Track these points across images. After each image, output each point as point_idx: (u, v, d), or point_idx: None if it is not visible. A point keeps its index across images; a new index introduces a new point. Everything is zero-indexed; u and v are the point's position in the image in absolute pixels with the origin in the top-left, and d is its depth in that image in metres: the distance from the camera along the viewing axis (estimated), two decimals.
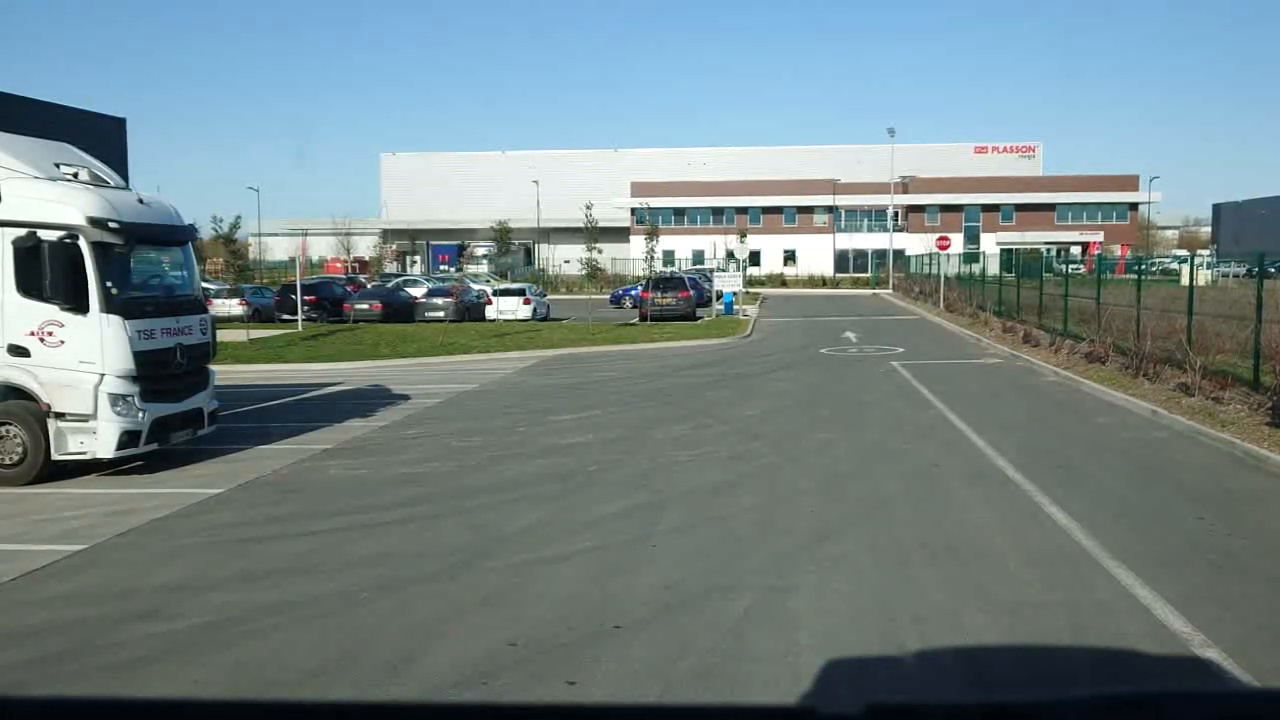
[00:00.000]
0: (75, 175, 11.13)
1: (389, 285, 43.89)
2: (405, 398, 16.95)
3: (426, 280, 47.37)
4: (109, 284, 10.51)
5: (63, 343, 10.48)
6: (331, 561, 7.64)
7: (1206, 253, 70.76)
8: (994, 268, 38.50)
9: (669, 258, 67.22)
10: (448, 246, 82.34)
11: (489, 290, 39.17)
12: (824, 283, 70.19)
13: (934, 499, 9.34)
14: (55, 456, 10.50)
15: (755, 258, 70.86)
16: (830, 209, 78.70)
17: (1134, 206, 77.32)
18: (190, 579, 7.27)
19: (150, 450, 11.07)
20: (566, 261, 78.03)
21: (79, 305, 10.45)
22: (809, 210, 79.12)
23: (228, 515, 9.15)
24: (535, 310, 37.05)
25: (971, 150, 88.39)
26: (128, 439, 10.63)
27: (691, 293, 36.45)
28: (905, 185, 75.10)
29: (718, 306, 37.59)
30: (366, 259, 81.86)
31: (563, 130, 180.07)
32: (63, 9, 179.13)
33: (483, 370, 21.42)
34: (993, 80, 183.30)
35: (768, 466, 10.96)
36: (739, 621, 6.16)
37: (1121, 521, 8.39)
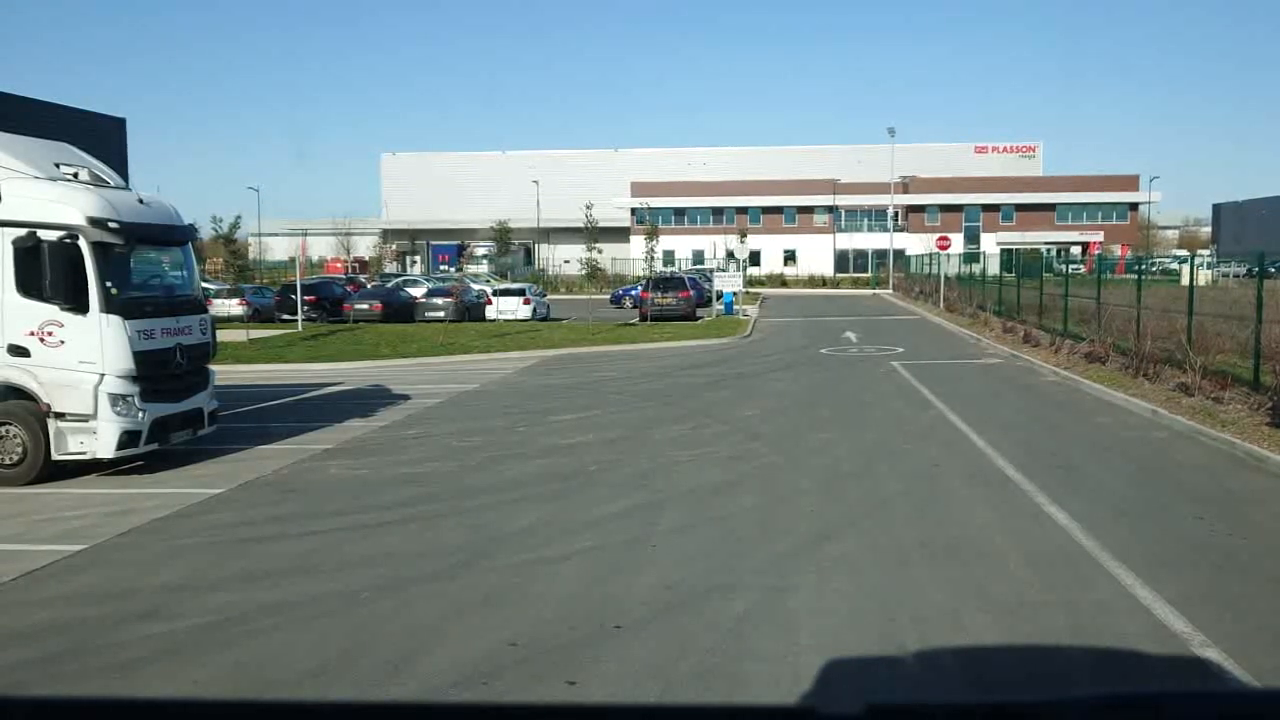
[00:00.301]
0: (75, 175, 11.13)
1: (389, 285, 43.90)
2: (405, 398, 16.95)
3: (426, 280, 47.38)
4: (109, 284, 10.50)
5: (63, 343, 10.47)
6: (332, 561, 7.64)
7: (1206, 253, 70.75)
8: (994, 268, 38.51)
9: (669, 258, 67.25)
10: (448, 246, 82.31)
11: (489, 290, 39.17)
12: (824, 283, 70.20)
13: (934, 499, 9.34)
14: (55, 456, 10.50)
15: (755, 258, 70.87)
16: (830, 209, 78.70)
17: (1134, 206, 77.33)
18: (190, 579, 7.27)
19: (150, 450, 11.07)
20: (566, 261, 78.02)
21: (79, 305, 10.45)
22: (809, 210, 79.12)
23: (228, 515, 9.15)
24: (535, 310, 37.05)
25: (972, 150, 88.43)
26: (128, 439, 10.63)
27: (691, 293, 36.45)
28: (905, 185, 75.10)
29: (718, 306, 37.59)
30: (366, 259, 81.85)
31: (563, 130, 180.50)
32: (63, 9, 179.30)
33: (483, 370, 21.42)
34: (993, 80, 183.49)
35: (768, 466, 10.96)
36: (739, 621, 6.16)
37: (1121, 521, 8.39)
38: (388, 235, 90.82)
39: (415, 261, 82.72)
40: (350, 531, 8.48)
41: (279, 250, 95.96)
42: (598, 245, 42.39)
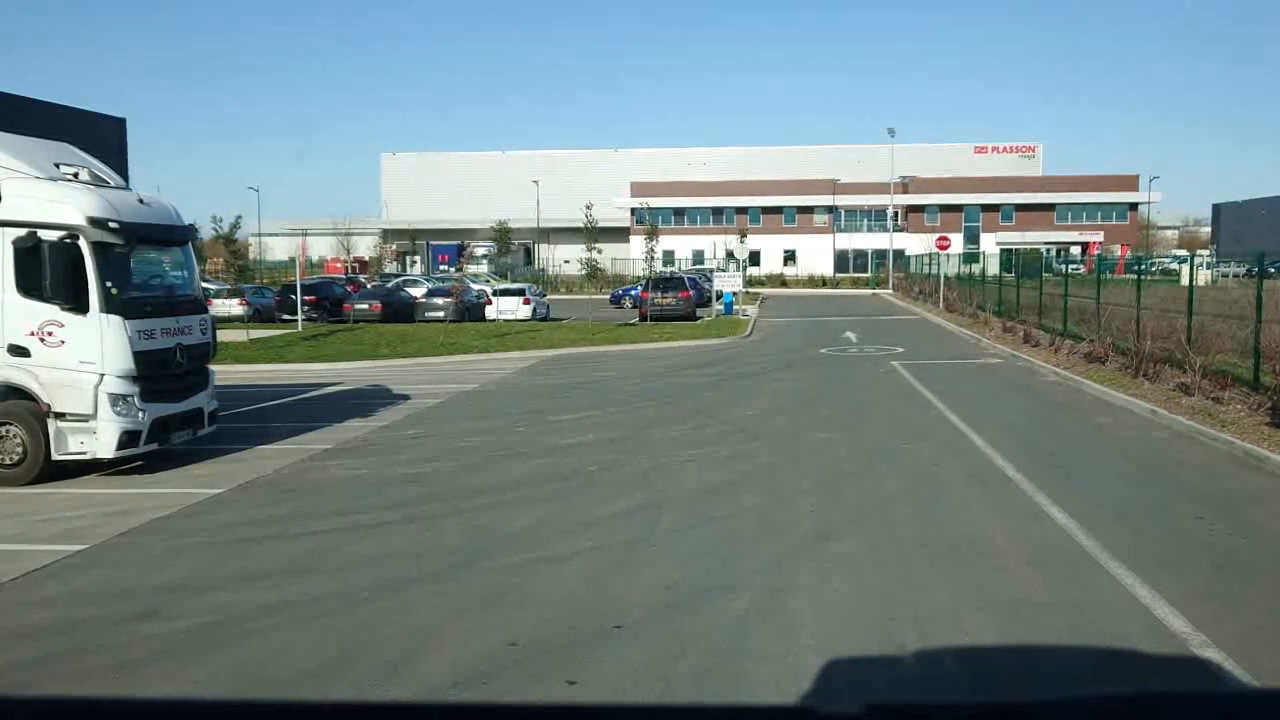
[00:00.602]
0: (75, 175, 11.13)
1: (389, 285, 43.90)
2: (405, 398, 16.95)
3: (426, 280, 47.36)
4: (109, 284, 10.50)
5: (63, 343, 10.48)
6: (331, 561, 7.64)
7: (1206, 253, 70.68)
8: (994, 268, 38.51)
9: (669, 258, 67.20)
10: (448, 246, 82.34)
11: (489, 290, 39.17)
12: (824, 283, 70.22)
13: (934, 499, 9.34)
14: (55, 456, 10.50)
15: (755, 258, 70.87)
16: (830, 209, 78.70)
17: (1134, 206, 77.31)
18: (190, 579, 7.27)
19: (150, 450, 11.07)
20: (566, 261, 77.97)
21: (79, 305, 10.45)
22: (809, 210, 79.12)
23: (228, 515, 9.15)
24: (535, 310, 37.06)
25: (971, 150, 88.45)
26: (128, 439, 10.63)
27: (691, 293, 36.46)
28: (905, 185, 75.10)
29: (717, 306, 37.60)
30: (366, 259, 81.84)
31: (563, 130, 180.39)
32: (63, 9, 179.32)
33: (483, 370, 21.42)
34: (993, 80, 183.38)
35: (768, 466, 10.96)
36: (739, 621, 6.16)
37: (1121, 521, 8.39)
38: (387, 235, 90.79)
39: (415, 262, 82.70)
40: (350, 531, 8.48)
41: (279, 250, 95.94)
42: (597, 245, 42.29)
